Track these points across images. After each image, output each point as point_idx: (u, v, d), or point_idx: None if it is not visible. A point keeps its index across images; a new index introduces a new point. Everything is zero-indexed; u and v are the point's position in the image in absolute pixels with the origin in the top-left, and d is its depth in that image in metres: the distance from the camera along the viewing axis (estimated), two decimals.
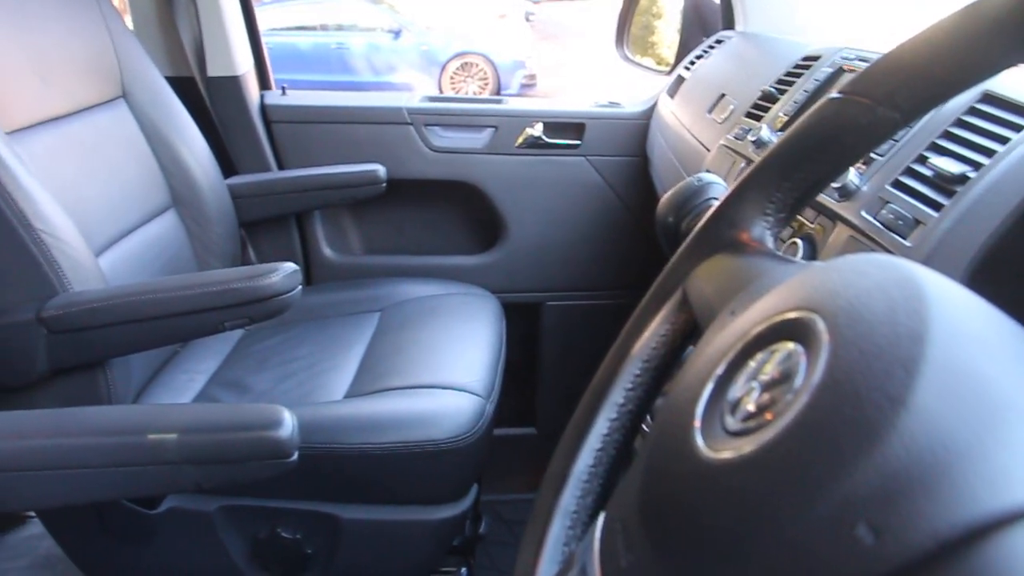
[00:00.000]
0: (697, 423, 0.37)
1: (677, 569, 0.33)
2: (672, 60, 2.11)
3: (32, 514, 1.94)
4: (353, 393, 1.44)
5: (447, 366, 1.47)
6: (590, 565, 0.41)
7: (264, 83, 2.07)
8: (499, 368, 1.54)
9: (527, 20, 14.89)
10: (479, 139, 2.00)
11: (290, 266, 1.24)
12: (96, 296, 1.24)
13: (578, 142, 1.99)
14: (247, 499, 1.33)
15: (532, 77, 10.11)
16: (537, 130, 1.97)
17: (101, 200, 1.46)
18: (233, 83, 1.94)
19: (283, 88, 2.07)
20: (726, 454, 0.33)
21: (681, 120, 1.62)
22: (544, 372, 2.11)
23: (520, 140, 1.98)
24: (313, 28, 10.28)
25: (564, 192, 2.01)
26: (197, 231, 1.70)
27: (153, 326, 1.25)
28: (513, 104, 2.04)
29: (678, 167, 1.54)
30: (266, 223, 1.98)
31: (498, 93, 9.72)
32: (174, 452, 0.91)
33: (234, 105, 1.96)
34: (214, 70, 1.93)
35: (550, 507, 0.54)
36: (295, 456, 0.92)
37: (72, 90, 1.49)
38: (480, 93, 9.86)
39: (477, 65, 10.00)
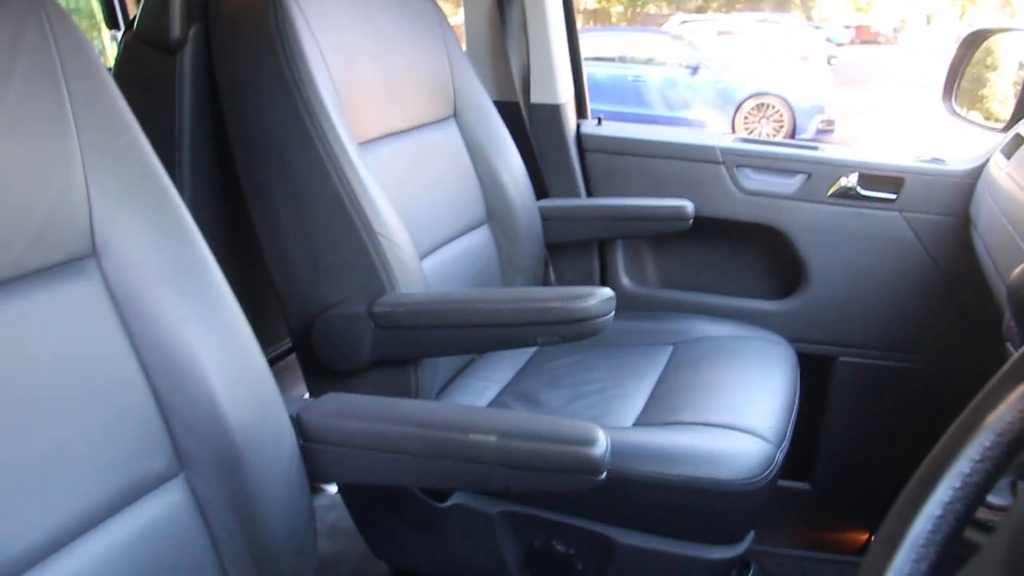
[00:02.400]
0: None
1: None
2: (1005, 116, 1.97)
3: (324, 487, 2.13)
4: (643, 422, 1.45)
5: (740, 408, 1.45)
6: None
7: (581, 112, 2.16)
8: (791, 418, 1.50)
9: (829, 63, 14.39)
10: (790, 184, 1.96)
11: (606, 291, 1.27)
12: (422, 299, 1.35)
13: (894, 196, 1.90)
14: (529, 508, 1.38)
15: (830, 123, 9.74)
16: (852, 180, 1.91)
17: (427, 210, 1.58)
18: (554, 111, 2.04)
19: (599, 119, 2.14)
20: None
21: (1020, 184, 1.52)
22: (827, 428, 2.02)
23: (833, 189, 1.92)
24: (611, 59, 10.53)
25: (873, 247, 1.93)
26: (506, 247, 1.80)
27: (470, 333, 1.34)
28: (829, 152, 1.99)
29: (1013, 235, 1.44)
30: (569, 247, 2.05)
31: (792, 136, 9.46)
32: (491, 453, 0.96)
33: (552, 132, 2.05)
34: (537, 97, 2.03)
35: (881, 570, 0.54)
36: (604, 475, 0.95)
37: (412, 108, 1.62)
38: (774, 135, 9.66)
39: (773, 107, 9.79)
